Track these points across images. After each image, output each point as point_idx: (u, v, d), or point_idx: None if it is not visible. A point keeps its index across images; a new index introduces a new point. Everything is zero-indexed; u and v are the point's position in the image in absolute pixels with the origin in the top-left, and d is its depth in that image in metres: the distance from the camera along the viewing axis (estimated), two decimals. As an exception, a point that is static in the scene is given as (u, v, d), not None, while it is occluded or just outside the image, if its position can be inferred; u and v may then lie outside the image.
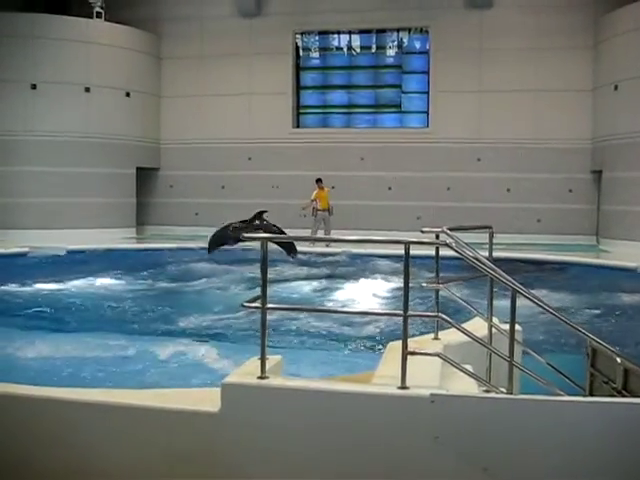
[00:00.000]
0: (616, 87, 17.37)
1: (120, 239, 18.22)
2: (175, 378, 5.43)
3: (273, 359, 3.84)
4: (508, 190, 19.35)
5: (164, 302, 10.04)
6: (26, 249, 14.98)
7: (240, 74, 20.65)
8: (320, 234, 17.05)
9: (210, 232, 18.17)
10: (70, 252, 15.11)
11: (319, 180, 17.74)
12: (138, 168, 20.32)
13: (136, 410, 3.73)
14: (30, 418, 3.87)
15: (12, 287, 10.95)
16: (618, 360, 3.68)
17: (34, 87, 18.36)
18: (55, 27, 18.64)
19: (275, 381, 3.58)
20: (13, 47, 18.16)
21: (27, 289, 10.92)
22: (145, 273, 13.06)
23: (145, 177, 20.82)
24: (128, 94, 19.79)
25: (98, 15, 19.37)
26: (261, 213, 12.90)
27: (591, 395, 4.03)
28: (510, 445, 3.24)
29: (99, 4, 19.34)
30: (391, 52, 20.43)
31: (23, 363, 5.86)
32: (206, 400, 3.66)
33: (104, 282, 11.86)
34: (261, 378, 3.57)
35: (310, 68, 20.96)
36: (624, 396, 3.62)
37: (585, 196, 18.98)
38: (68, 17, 19.21)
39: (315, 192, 17.56)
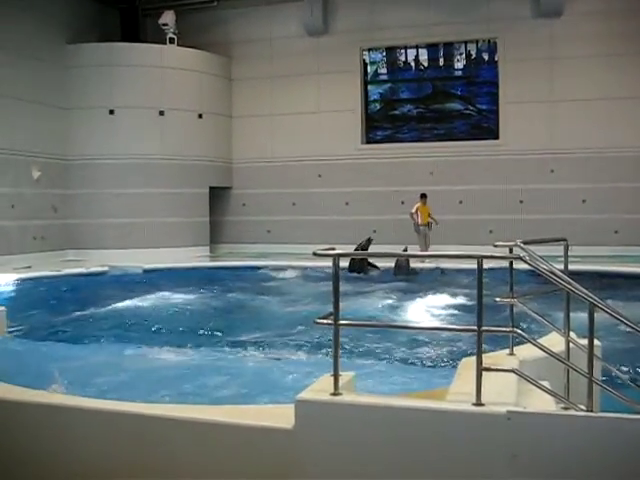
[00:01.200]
0: (696, 92, 16.75)
1: (195, 257, 18.63)
2: (249, 394, 5.49)
3: (346, 375, 3.84)
4: (583, 201, 18.83)
5: (238, 318, 10.19)
6: (106, 268, 15.52)
7: (309, 92, 20.89)
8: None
9: (281, 249, 18.55)
10: (146, 271, 15.56)
11: (424, 195, 17.63)
12: (211, 187, 20.76)
13: (211, 426, 3.79)
14: (103, 431, 3.99)
15: (93, 304, 11.33)
16: None
17: (112, 112, 19.06)
18: (131, 54, 19.35)
19: (348, 397, 3.58)
20: (92, 75, 18.95)
21: (106, 306, 11.28)
22: (220, 290, 13.29)
23: (218, 196, 21.25)
24: (200, 116, 20.29)
25: (171, 41, 20.00)
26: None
27: (677, 413, 3.87)
28: (590, 465, 3.15)
29: (172, 30, 19.98)
30: (459, 65, 20.27)
31: (102, 378, 6.04)
32: (280, 416, 3.69)
33: (179, 299, 12.11)
34: (334, 394, 3.58)
35: (378, 83, 21.00)
36: None
37: (666, 205, 18.27)
38: (143, 44, 19.97)
39: (416, 205, 17.50)
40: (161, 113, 19.48)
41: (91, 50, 19.16)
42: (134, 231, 19.03)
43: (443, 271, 14.54)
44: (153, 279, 14.68)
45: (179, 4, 21.03)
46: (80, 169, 19.03)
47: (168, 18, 19.97)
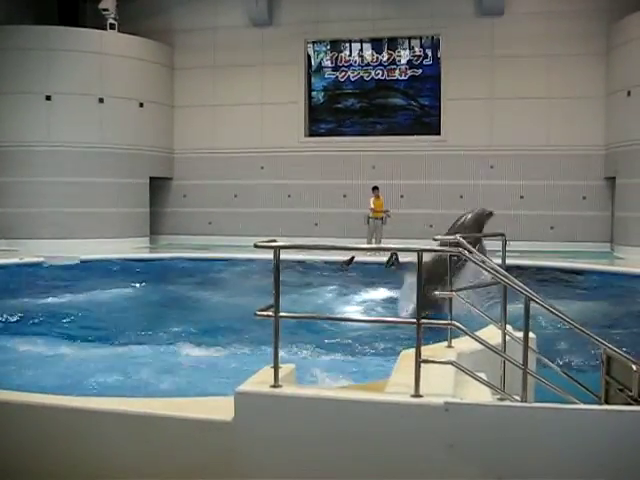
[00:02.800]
0: (629, 93, 17.30)
1: (134, 248, 18.31)
2: (189, 387, 5.44)
3: (286, 367, 3.84)
4: (521, 197, 19.27)
5: (178, 311, 10.07)
6: (41, 259, 15.10)
7: (252, 83, 20.74)
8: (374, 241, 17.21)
9: (222, 242, 18.24)
10: (83, 262, 15.21)
11: (376, 188, 17.78)
12: (151, 178, 20.43)
13: (150, 419, 3.74)
14: (44, 426, 3.89)
15: (27, 296, 11.02)
16: (634, 367, 3.64)
17: (48, 98, 18.51)
18: (69, 39, 18.82)
19: (288, 389, 3.57)
20: (28, 59, 18.35)
21: (41, 298, 10.98)
22: (159, 282, 13.11)
23: (158, 187, 20.93)
24: (141, 104, 19.91)
25: (111, 26, 19.53)
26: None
27: (607, 403, 4.00)
28: (525, 454, 3.22)
29: (112, 16, 19.51)
30: (402, 60, 20.42)
31: (36, 371, 5.89)
32: (220, 409, 3.66)
33: (117, 291, 11.90)
34: (274, 387, 3.57)
35: (322, 76, 20.99)
36: (640, 404, 3.59)
37: (599, 203, 18.87)
38: (82, 29, 19.44)
39: (372, 199, 17.64)
40: (101, 100, 19.04)
41: (27, 33, 18.53)
42: (71, 221, 18.56)
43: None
44: (91, 270, 14.36)
45: (120, -11, 20.56)
46: (14, 156, 18.42)
47: (109, 3, 19.47)
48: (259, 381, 3.68)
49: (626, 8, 17.45)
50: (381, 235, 17.38)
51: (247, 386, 3.62)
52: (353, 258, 13.53)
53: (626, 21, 17.41)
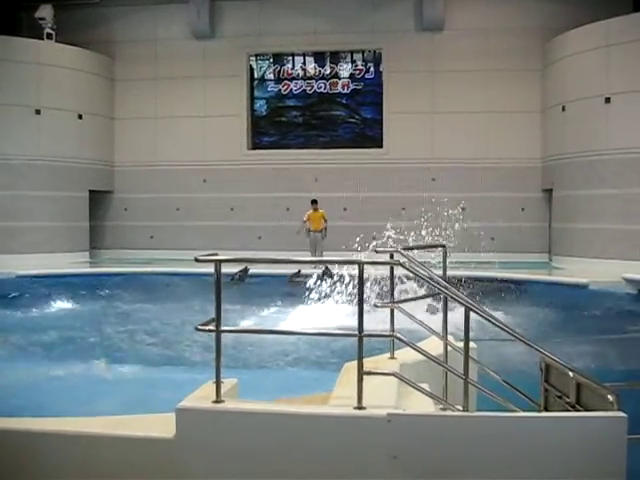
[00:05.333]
0: (563, 108, 17.82)
1: (73, 263, 17.88)
2: (129, 404, 5.32)
3: (228, 382, 3.79)
4: (463, 209, 19.58)
5: (116, 327, 9.86)
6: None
7: (194, 96, 20.59)
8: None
9: (164, 255, 17.97)
10: (20, 277, 14.79)
11: (314, 201, 17.74)
12: (91, 191, 20.02)
13: (89, 438, 3.64)
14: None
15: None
16: (570, 374, 3.72)
17: (-18, 110, 17.99)
18: (4, 48, 18.31)
19: (230, 404, 3.53)
20: (-40, 69, 17.81)
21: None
22: (97, 298, 12.83)
23: (99, 200, 20.53)
24: (80, 116, 19.52)
25: (49, 36, 19.13)
26: None
27: (546, 410, 4.07)
28: (468, 462, 3.24)
29: (49, 25, 19.09)
30: (345, 73, 20.61)
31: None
32: (161, 426, 3.59)
33: (54, 307, 11.60)
34: (216, 402, 3.52)
35: (265, 89, 20.98)
36: (577, 410, 3.66)
37: (537, 214, 19.36)
38: (18, 38, 18.92)
39: (308, 212, 17.58)
40: (37, 112, 18.58)
41: (-41, 42, 18.00)
42: (7, 236, 18.02)
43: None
44: (27, 285, 13.96)
45: (58, -2, 20.14)
46: (-53, 169, 17.83)
47: (45, 12, 19.06)
48: (201, 396, 3.62)
49: (559, 27, 18.01)
50: (322, 248, 17.43)
51: (188, 402, 3.56)
52: (247, 270, 13.38)
53: (560, 39, 17.96)
